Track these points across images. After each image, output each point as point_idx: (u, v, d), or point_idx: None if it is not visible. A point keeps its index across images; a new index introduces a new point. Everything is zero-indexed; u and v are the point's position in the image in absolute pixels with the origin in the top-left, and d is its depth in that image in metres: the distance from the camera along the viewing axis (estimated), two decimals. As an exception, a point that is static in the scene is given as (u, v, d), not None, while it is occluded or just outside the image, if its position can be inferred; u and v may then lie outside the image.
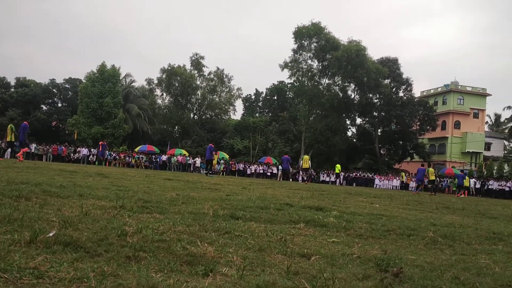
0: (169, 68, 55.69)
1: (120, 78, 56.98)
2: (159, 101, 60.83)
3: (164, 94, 58.49)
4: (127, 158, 40.70)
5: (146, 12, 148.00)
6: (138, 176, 14.21)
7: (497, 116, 79.06)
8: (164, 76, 55.97)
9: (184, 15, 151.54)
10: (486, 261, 3.83)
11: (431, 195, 23.57)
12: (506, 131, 75.10)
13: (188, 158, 42.65)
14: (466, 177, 33.39)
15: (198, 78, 58.09)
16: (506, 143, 77.31)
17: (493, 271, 3.43)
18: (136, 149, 45.46)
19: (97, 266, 2.48)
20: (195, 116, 59.74)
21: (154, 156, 42.65)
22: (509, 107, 71.32)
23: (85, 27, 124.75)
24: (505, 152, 73.84)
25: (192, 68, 57.60)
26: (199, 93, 58.43)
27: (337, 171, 39.53)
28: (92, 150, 39.29)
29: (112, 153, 40.76)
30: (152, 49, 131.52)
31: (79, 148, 40.66)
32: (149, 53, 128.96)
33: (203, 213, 5.18)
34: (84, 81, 53.38)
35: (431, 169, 27.44)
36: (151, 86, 59.33)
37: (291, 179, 27.12)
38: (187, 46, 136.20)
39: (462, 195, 29.40)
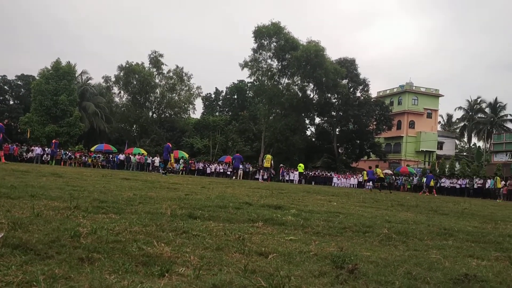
0: (127, 65, 54.62)
1: (76, 76, 55.39)
2: (117, 99, 59.64)
3: (122, 92, 57.35)
4: (83, 157, 39.66)
5: (104, 8, 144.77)
6: (94, 175, 13.88)
7: (449, 116, 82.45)
8: (121, 74, 54.85)
9: (142, 12, 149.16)
10: (437, 256, 3.96)
11: (380, 192, 24.91)
12: (458, 130, 78.30)
13: (146, 157, 42.02)
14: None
15: (157, 76, 57.25)
16: (458, 142, 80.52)
17: (443, 265, 3.56)
18: (93, 148, 44.39)
19: (47, 269, 2.41)
20: (154, 115, 58.89)
21: (111, 156, 41.76)
22: (460, 108, 74.36)
23: (38, 22, 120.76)
24: (457, 151, 76.89)
25: (150, 66, 56.74)
26: (158, 92, 57.58)
27: (300, 170, 40.00)
28: (46, 149, 38.05)
29: (67, 152, 39.62)
30: (109, 46, 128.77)
31: (32, 147, 39.27)
32: (106, 50, 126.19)
33: (161, 213, 5.12)
34: (37, 78, 51.52)
35: (378, 169, 29.33)
36: (108, 84, 58.01)
37: (235, 178, 27.79)
38: (146, 44, 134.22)
39: (427, 194, 31.23)
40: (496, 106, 70.17)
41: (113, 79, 56.30)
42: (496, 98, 70.57)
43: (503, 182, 33.62)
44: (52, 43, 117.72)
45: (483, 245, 5.02)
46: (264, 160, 30.33)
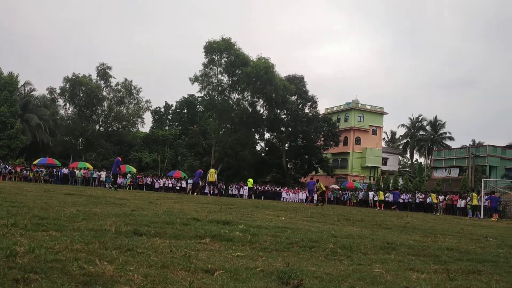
0: (74, 77, 53.10)
1: (19, 86, 53.28)
2: (62, 111, 57.85)
3: (68, 104, 55.66)
4: (25, 171, 37.94)
5: (50, 19, 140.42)
6: (35, 191, 13.32)
7: (393, 133, 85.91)
8: (67, 86, 53.21)
9: (89, 24, 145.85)
10: (380, 270, 4.06)
11: (321, 205, 25.53)
12: (401, 147, 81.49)
13: (92, 171, 40.77)
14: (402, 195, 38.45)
15: (104, 88, 56.01)
16: (401, 158, 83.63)
17: (386, 279, 3.65)
18: (35, 162, 42.59)
19: (-22, 291, 2.28)
20: (101, 128, 57.42)
21: (55, 170, 40.20)
22: (403, 125, 77.42)
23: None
24: (400, 166, 79.78)
25: (98, 78, 55.44)
26: (106, 104, 56.30)
27: (250, 185, 40.07)
28: (-16, 163, 36.20)
29: (7, 166, 37.77)
30: (55, 57, 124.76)
31: (-32, 161, 37.23)
32: (51, 62, 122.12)
33: (105, 230, 4.97)
34: (-24, 88, 49.16)
35: (320, 183, 29.66)
36: (53, 96, 56.18)
37: (196, 193, 27.85)
38: (93, 56, 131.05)
39: (397, 210, 33.01)
40: (436, 124, 73.56)
41: (58, 91, 54.62)
42: (436, 117, 74.10)
43: (442, 197, 35.59)
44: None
45: (423, 258, 5.21)
46: (208, 175, 30.23)
